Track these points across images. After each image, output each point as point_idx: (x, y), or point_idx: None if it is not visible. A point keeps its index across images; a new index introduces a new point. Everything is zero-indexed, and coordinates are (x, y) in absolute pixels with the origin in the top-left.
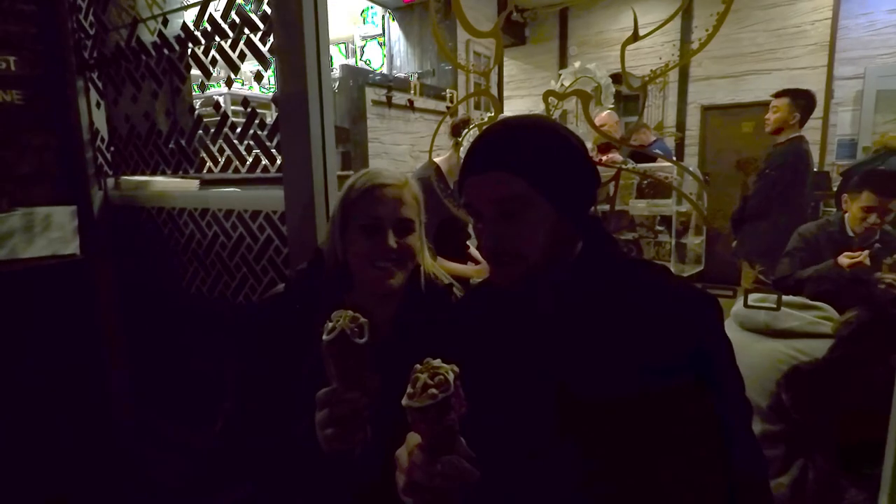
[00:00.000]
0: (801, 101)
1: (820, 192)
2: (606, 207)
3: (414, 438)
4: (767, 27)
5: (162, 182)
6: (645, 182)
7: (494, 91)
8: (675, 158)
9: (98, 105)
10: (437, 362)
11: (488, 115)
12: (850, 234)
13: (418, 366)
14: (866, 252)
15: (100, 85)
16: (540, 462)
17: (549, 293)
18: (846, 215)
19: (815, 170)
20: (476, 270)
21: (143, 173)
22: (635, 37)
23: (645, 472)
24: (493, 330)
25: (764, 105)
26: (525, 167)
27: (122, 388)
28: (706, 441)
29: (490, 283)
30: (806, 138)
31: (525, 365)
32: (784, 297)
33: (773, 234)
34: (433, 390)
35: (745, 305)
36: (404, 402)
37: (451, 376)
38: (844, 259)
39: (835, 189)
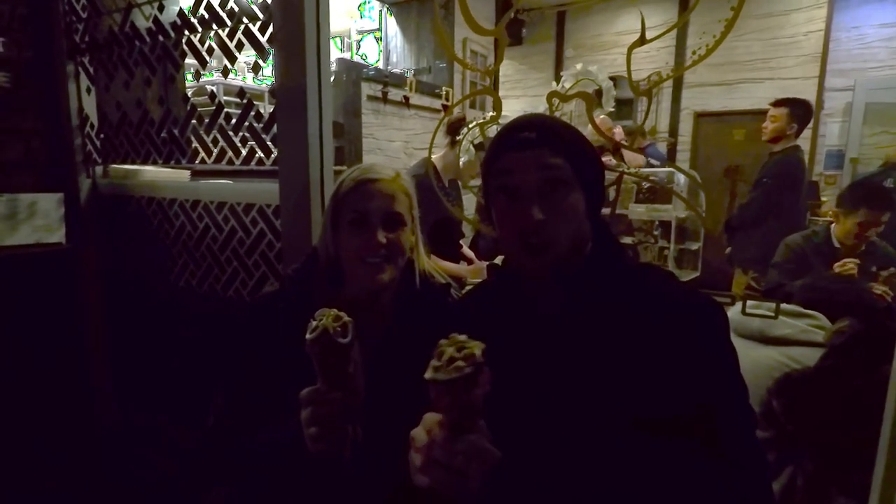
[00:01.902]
0: (800, 111)
1: (809, 201)
2: (606, 211)
3: (432, 418)
4: (762, 36)
5: (152, 171)
6: (645, 186)
7: None
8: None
9: (88, 91)
10: (464, 337)
11: (490, 114)
12: (837, 245)
13: (443, 340)
14: (856, 260)
15: (90, 70)
16: (544, 471)
17: (557, 296)
18: (832, 227)
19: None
20: (470, 270)
21: (133, 162)
22: (642, 40)
23: (651, 478)
24: (496, 333)
25: (756, 113)
26: (571, 152)
27: (104, 382)
28: (712, 450)
29: (488, 285)
30: (801, 148)
31: (529, 370)
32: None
33: (768, 242)
34: (460, 363)
35: (743, 313)
36: (428, 375)
37: (478, 351)
38: (836, 269)
39: (823, 199)
